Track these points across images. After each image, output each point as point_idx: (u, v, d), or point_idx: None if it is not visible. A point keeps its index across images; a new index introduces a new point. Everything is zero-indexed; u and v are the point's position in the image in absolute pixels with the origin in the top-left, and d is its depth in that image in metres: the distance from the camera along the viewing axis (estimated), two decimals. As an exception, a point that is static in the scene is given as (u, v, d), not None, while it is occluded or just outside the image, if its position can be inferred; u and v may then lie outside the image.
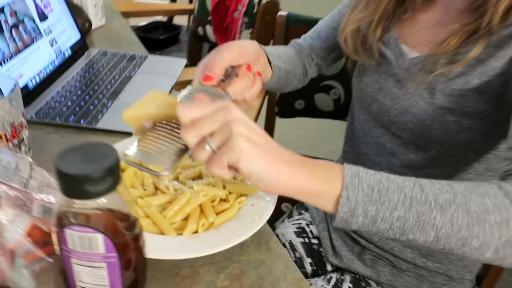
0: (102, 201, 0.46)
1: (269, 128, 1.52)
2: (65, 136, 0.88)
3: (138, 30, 2.71)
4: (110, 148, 0.47)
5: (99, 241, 0.49)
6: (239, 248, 0.66)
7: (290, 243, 1.03)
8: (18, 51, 0.94)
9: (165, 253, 0.58)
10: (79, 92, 1.00)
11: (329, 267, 1.00)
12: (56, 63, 1.06)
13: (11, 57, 0.92)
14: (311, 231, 1.05)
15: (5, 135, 0.73)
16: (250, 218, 0.64)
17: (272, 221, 1.19)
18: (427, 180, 0.54)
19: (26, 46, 0.96)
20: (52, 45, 1.05)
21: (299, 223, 1.08)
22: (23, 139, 0.77)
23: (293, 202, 1.23)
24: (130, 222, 0.51)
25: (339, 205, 0.52)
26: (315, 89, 1.42)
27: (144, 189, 0.68)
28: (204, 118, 0.52)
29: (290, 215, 1.14)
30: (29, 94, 0.95)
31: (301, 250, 1.02)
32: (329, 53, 1.03)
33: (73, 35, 1.16)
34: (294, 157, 0.55)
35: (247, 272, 0.63)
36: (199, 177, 0.71)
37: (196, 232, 0.63)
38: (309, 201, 0.56)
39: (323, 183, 0.53)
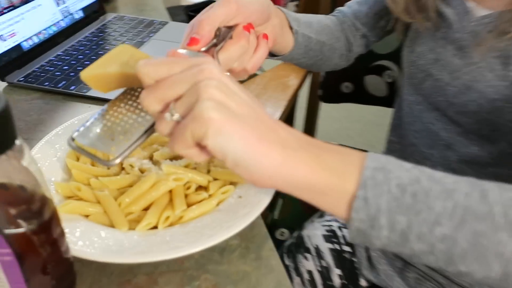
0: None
1: (311, 115, 1.33)
2: (50, 103, 0.76)
3: (188, 9, 2.61)
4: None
5: (-17, 230, 0.34)
6: (218, 254, 0.49)
7: (317, 248, 0.86)
8: (12, 7, 0.83)
9: (106, 253, 0.43)
10: (80, 57, 0.87)
11: (363, 282, 0.82)
12: (62, 24, 0.95)
13: (1, 13, 0.81)
14: (343, 236, 0.87)
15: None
16: (232, 214, 0.47)
17: (298, 219, 1.01)
18: (493, 184, 0.39)
19: (23, 2, 0.85)
20: (58, 5, 0.94)
21: (330, 225, 0.90)
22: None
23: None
24: (33, 206, 0.36)
25: (352, 210, 0.38)
26: (366, 70, 1.21)
27: (108, 168, 0.53)
28: (170, 78, 0.38)
29: (321, 214, 0.96)
30: (22, 55, 0.84)
31: (328, 258, 0.84)
32: (377, 20, 0.83)
33: (88, -3, 1.04)
34: (294, 136, 0.39)
35: (222, 287, 0.46)
36: (179, 156, 0.55)
37: (155, 227, 0.47)
38: (312, 200, 0.40)
39: (331, 176, 0.38)
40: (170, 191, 0.49)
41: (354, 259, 0.83)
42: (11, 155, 0.33)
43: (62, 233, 0.39)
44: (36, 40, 0.88)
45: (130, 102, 0.44)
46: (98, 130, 0.42)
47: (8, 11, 0.82)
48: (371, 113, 2.18)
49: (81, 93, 0.77)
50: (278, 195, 1.13)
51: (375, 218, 0.37)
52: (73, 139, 0.42)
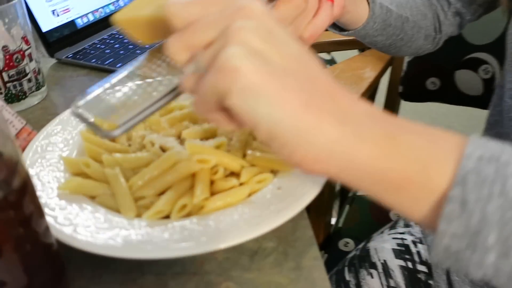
0: None
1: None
2: (94, 81, 0.70)
3: None
4: None
5: None
6: (247, 258, 0.39)
7: (384, 264, 0.72)
8: (68, -18, 0.79)
9: (106, 246, 0.34)
10: (135, 36, 0.81)
11: (439, 311, 0.67)
12: (121, 4, 0.90)
13: (56, -13, 0.77)
14: (418, 252, 0.73)
15: (-4, 62, 0.57)
16: (265, 208, 0.37)
17: (366, 228, 0.88)
18: None
19: (80, -23, 0.82)
20: (119, -17, 0.89)
21: (402, 238, 0.76)
22: (26, 73, 0.60)
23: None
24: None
25: (441, 218, 0.27)
26: (458, 64, 1.04)
27: (129, 145, 0.45)
28: (201, 20, 0.30)
29: (393, 225, 0.82)
30: (75, 33, 0.80)
31: (398, 278, 0.71)
32: None
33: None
34: (362, 108, 0.29)
35: (245, 302, 0.35)
36: (212, 136, 0.45)
37: (167, 217, 0.37)
38: (378, 194, 0.29)
39: (411, 164, 0.27)
40: (193, 175, 0.40)
41: (430, 282, 0.68)
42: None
43: (40, 212, 0.31)
44: (91, 18, 0.84)
45: (150, 65, 0.36)
46: (106, 97, 0.34)
47: (63, -14, 0.79)
48: (460, 115, 1.95)
49: (126, 71, 0.70)
50: (344, 200, 1.00)
51: (478, 233, 0.25)
52: (77, 107, 0.34)
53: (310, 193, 0.37)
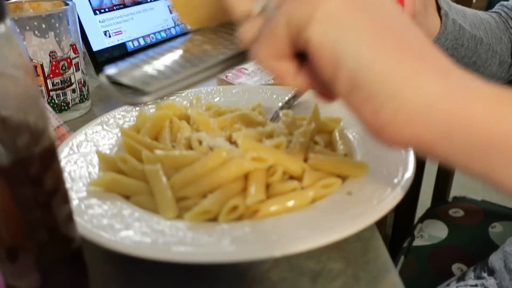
0: None
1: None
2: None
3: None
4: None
5: None
6: (309, 280, 0.31)
7: (459, 320, 0.61)
8: (123, 5, 0.79)
9: (135, 246, 0.28)
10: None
11: None
12: (173, 32, 0.89)
13: (111, 9, 0.77)
14: (498, 308, 0.61)
15: (41, 67, 0.55)
16: (335, 214, 0.29)
17: (426, 282, 0.77)
18: None
19: (135, 2, 0.81)
20: (171, 12, 0.89)
21: (476, 292, 0.65)
22: (71, 83, 0.57)
23: (470, 262, 0.77)
24: (11, 130, 0.23)
25: None
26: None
27: (173, 146, 0.40)
28: None
29: (461, 277, 0.71)
30: (125, 55, 0.78)
31: None
32: None
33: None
34: (458, 67, 0.24)
35: (307, 332, 0.27)
36: (269, 136, 0.39)
37: (214, 219, 0.31)
38: (486, 169, 0.23)
39: None
40: (246, 176, 0.33)
41: None
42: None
43: (64, 196, 0.25)
44: (142, 42, 0.82)
45: (194, 42, 0.32)
46: (142, 65, 0.29)
47: (118, 9, 0.78)
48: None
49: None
50: (399, 250, 0.89)
51: None
52: (107, 76, 0.29)
53: (390, 198, 0.30)
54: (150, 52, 0.31)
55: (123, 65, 0.30)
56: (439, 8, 0.52)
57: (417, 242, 0.85)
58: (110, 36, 0.76)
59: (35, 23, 0.53)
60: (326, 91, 0.26)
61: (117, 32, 0.78)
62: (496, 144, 0.21)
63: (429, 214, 0.90)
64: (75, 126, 0.58)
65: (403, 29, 0.23)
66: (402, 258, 0.86)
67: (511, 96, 0.22)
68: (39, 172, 0.24)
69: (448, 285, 0.70)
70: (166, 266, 0.32)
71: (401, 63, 0.21)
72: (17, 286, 0.26)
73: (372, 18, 0.22)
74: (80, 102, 0.60)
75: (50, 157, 0.25)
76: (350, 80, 0.21)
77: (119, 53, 0.78)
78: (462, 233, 0.86)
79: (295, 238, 0.27)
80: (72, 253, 0.26)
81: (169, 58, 0.30)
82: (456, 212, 0.91)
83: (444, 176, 1.09)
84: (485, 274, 0.68)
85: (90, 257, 0.28)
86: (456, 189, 1.03)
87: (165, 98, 0.28)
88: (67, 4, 0.57)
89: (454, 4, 0.55)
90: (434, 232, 0.88)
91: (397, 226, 1.05)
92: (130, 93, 0.28)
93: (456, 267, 0.85)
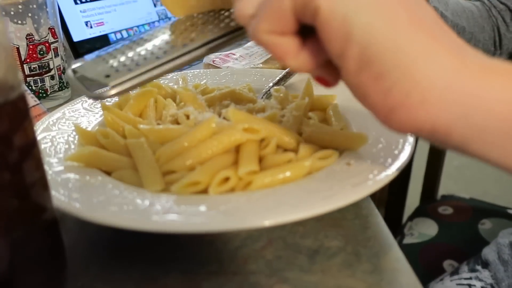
0: None
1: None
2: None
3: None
4: None
5: None
6: (306, 258, 0.29)
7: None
8: (105, -4, 0.77)
9: (118, 217, 0.25)
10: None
11: None
12: (156, 25, 0.87)
13: (92, -1, 0.74)
14: (494, 301, 0.60)
15: (18, 51, 0.52)
16: (335, 182, 0.27)
17: (420, 277, 0.75)
18: None
19: (117, -7, 0.79)
20: (155, 6, 0.87)
21: (470, 285, 0.64)
22: (50, 69, 0.55)
23: (461, 259, 0.75)
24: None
25: None
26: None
27: (158, 123, 0.37)
28: None
29: (455, 271, 0.70)
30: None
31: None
32: None
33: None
34: (472, 49, 0.23)
35: (307, 309, 0.25)
36: (259, 111, 0.37)
37: (204, 191, 0.28)
38: (504, 155, 0.21)
39: None
40: (237, 149, 0.31)
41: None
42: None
43: (44, 182, 0.23)
44: (125, 34, 0.80)
45: (171, 28, 0.31)
46: (108, 60, 0.29)
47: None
48: None
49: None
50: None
51: None
52: (73, 70, 0.29)
53: (392, 167, 0.28)
54: (118, 45, 0.31)
55: (88, 58, 0.30)
56: (436, 8, 0.51)
57: (407, 240, 0.83)
58: (91, 27, 0.74)
59: (12, 9, 0.50)
60: (326, 76, 0.25)
61: (99, 23, 0.75)
62: None
63: (418, 212, 0.88)
64: (53, 114, 0.55)
65: (416, 5, 0.21)
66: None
67: None
68: (7, 129, 0.21)
69: (441, 279, 0.69)
70: (153, 243, 0.30)
71: (415, 39, 0.20)
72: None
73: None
74: (59, 90, 0.57)
75: (21, 115, 0.22)
76: (361, 55, 0.20)
77: (101, 44, 0.75)
78: (452, 230, 0.85)
79: (289, 207, 0.25)
80: (44, 224, 0.24)
81: (135, 50, 0.29)
82: (445, 210, 0.90)
83: (432, 175, 1.08)
84: (479, 267, 0.67)
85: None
86: (444, 189, 1.02)
87: (129, 91, 0.27)
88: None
89: (451, 3, 0.55)
90: (424, 230, 0.87)
91: (386, 225, 1.04)
92: (95, 86, 0.28)
93: (447, 264, 0.84)
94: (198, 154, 0.30)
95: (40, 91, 0.55)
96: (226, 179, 0.28)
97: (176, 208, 0.25)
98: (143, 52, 0.29)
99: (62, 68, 0.57)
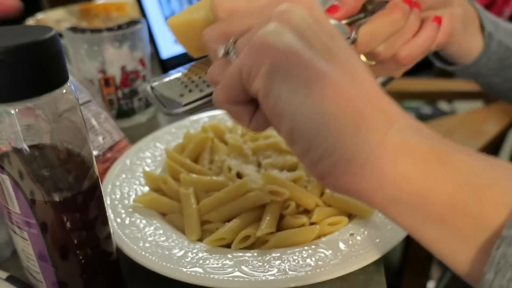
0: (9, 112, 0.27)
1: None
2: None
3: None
4: (48, 30, 0.27)
5: (9, 188, 0.29)
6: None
7: None
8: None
9: (156, 259, 0.34)
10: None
11: None
12: (238, 38, 0.94)
13: (181, 18, 0.83)
14: None
15: (113, 80, 0.63)
16: (333, 253, 0.33)
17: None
18: None
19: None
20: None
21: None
22: (137, 93, 0.65)
23: None
24: (69, 167, 0.29)
25: (488, 265, 0.21)
26: None
27: (210, 168, 0.45)
28: (243, 10, 0.28)
29: None
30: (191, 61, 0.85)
31: None
32: None
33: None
34: (409, 119, 0.24)
35: None
36: (292, 170, 0.43)
37: (228, 246, 0.36)
38: (416, 228, 0.23)
39: (461, 188, 0.22)
40: (263, 207, 0.38)
41: None
42: (57, 97, 0.28)
43: (103, 218, 0.32)
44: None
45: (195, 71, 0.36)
46: (176, 81, 0.34)
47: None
48: None
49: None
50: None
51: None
52: (152, 87, 0.35)
53: (387, 245, 0.33)
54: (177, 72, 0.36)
55: (165, 77, 0.35)
56: (483, 28, 0.49)
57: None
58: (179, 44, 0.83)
59: (111, 33, 0.60)
60: None
61: (186, 39, 0.84)
62: (419, 200, 0.22)
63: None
64: (139, 131, 0.66)
65: (351, 81, 0.23)
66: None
67: (442, 151, 0.23)
68: (84, 202, 0.30)
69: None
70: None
71: (340, 117, 0.22)
72: (67, 283, 0.33)
73: (321, 69, 0.23)
74: (145, 108, 0.67)
75: (94, 190, 0.31)
76: (291, 132, 0.23)
77: (187, 60, 0.84)
78: None
79: (296, 275, 0.31)
80: (109, 264, 0.33)
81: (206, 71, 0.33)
82: None
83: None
84: None
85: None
86: None
87: (200, 109, 0.32)
88: (139, 22, 0.64)
89: (504, 24, 0.52)
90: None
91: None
92: (170, 103, 0.33)
93: None
94: (231, 209, 0.38)
95: (130, 111, 0.66)
96: (247, 236, 0.36)
97: (202, 262, 0.33)
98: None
99: (148, 90, 0.67)
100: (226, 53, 0.27)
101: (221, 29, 0.28)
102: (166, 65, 0.81)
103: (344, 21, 0.39)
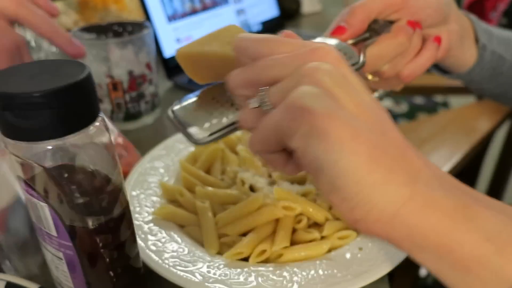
0: (47, 148, 0.29)
1: (503, 171, 1.08)
2: (203, 107, 0.75)
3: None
4: (81, 67, 0.29)
5: (47, 215, 0.31)
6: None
7: None
8: (194, 12, 0.86)
9: (184, 279, 0.36)
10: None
11: None
12: (238, 35, 0.95)
13: (183, 16, 0.84)
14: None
15: (121, 84, 0.64)
16: (343, 269, 0.36)
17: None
18: None
19: (204, 8, 0.88)
20: (238, 15, 0.95)
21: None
22: (144, 95, 0.67)
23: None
24: (103, 197, 0.31)
25: None
26: None
27: (222, 179, 0.48)
28: (270, 57, 0.29)
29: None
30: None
31: None
32: None
33: (269, 11, 1.03)
34: (433, 171, 0.27)
35: None
36: (302, 181, 0.46)
37: (245, 259, 0.39)
38: (443, 273, 0.26)
39: (483, 242, 0.25)
40: (277, 221, 0.41)
41: None
42: (90, 132, 0.30)
43: (133, 238, 0.34)
44: (209, 46, 0.90)
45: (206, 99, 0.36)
46: (198, 107, 0.34)
47: (190, 16, 0.86)
48: None
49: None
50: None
51: None
52: (173, 111, 0.35)
53: (392, 259, 0.36)
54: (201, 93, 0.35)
55: (186, 101, 0.34)
56: (478, 40, 0.52)
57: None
58: (182, 43, 0.84)
59: (118, 39, 0.62)
60: None
61: (188, 38, 0.85)
62: (446, 250, 0.25)
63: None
64: (146, 132, 0.68)
65: (382, 136, 0.25)
66: None
67: (466, 206, 0.25)
68: (116, 224, 0.33)
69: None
70: None
71: (373, 172, 0.24)
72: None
73: (353, 131, 0.24)
74: (151, 110, 0.69)
75: (124, 212, 0.33)
76: (329, 184, 0.25)
77: (188, 57, 0.86)
78: None
79: None
80: (139, 279, 0.35)
81: (220, 102, 0.33)
82: None
83: (498, 188, 1.09)
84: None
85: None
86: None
87: (223, 137, 0.32)
88: (146, 27, 0.65)
89: (498, 32, 0.55)
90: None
91: None
92: (195, 131, 0.32)
93: None
94: (247, 223, 0.40)
95: (137, 113, 0.67)
96: (263, 251, 0.38)
97: (223, 278, 0.36)
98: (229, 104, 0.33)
99: (154, 93, 0.68)
100: (259, 106, 0.28)
101: (248, 76, 0.29)
102: (169, 64, 0.82)
103: (350, 41, 0.42)
